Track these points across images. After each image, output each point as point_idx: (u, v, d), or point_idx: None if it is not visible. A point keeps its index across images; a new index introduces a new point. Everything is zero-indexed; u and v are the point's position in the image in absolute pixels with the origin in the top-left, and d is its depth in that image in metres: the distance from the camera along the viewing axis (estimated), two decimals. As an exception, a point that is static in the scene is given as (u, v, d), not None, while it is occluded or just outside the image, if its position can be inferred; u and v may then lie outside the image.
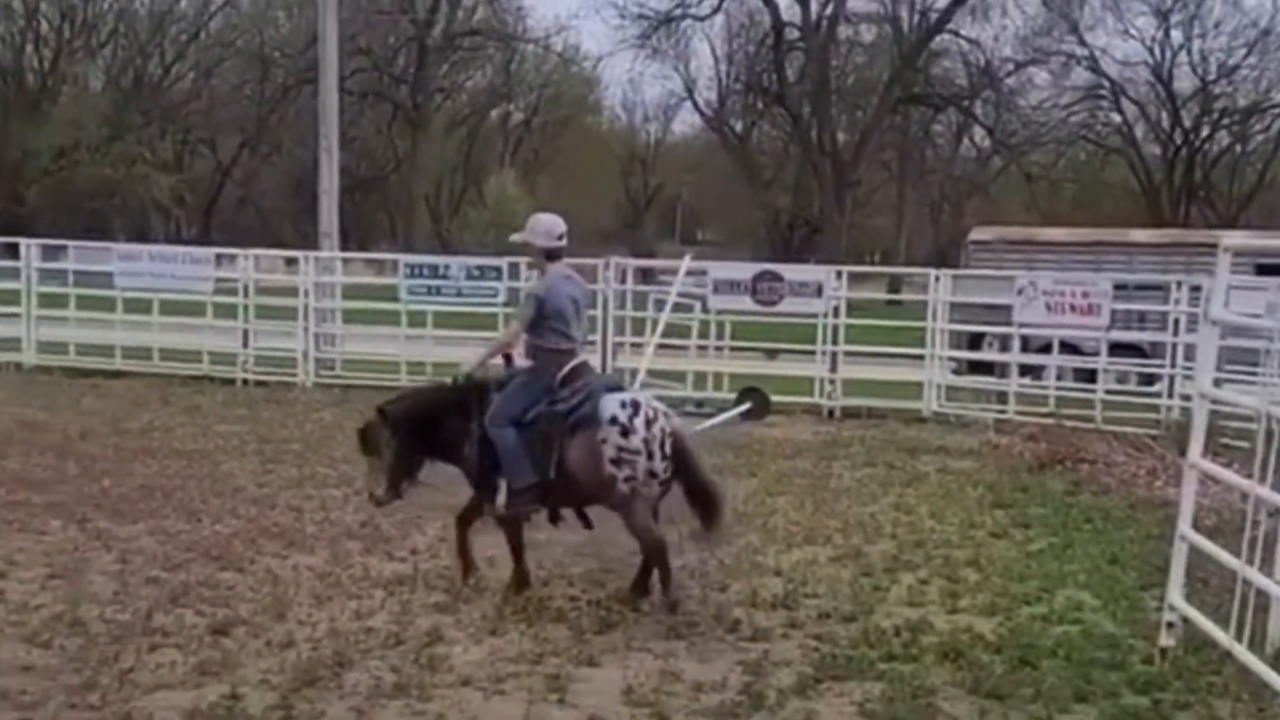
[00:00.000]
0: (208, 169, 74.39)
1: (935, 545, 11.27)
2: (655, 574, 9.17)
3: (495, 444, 9.08)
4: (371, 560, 10.11)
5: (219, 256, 24.19)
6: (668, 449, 8.92)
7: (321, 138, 27.34)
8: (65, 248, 25.35)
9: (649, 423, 8.92)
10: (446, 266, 22.41)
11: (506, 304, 21.48)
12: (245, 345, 22.62)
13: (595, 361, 20.81)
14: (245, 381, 22.05)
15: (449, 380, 9.61)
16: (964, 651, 8.22)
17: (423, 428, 9.29)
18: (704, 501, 9.05)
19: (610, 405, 8.94)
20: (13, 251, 24.30)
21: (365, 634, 8.32)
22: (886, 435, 18.24)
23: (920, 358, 20.60)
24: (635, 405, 9.01)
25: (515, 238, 9.59)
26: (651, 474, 8.88)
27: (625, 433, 8.86)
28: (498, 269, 21.84)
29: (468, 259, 23.46)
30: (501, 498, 9.10)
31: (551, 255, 9.47)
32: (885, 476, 14.93)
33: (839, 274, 21.07)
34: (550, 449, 8.99)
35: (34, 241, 24.32)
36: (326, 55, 27.26)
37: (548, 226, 9.53)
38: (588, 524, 9.40)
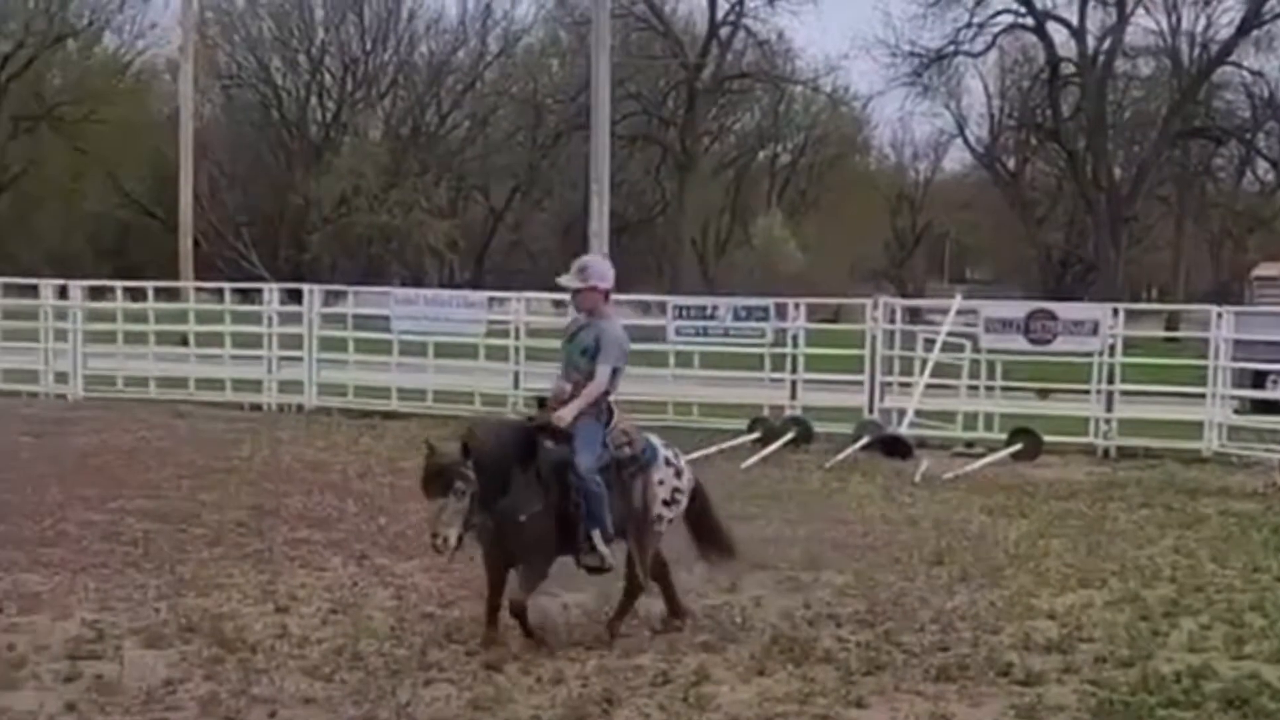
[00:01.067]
0: (481, 214, 76.03)
1: (1217, 589, 10.87)
2: (623, 599, 9.33)
3: (587, 493, 8.85)
4: (639, 599, 10.16)
5: (491, 299, 24.70)
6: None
7: (592, 181, 27.67)
8: (345, 293, 26.20)
9: (684, 465, 9.53)
10: (715, 307, 22.50)
11: (774, 344, 21.48)
12: (516, 386, 22.97)
13: (862, 401, 20.79)
14: (517, 422, 22.38)
15: (527, 416, 9.49)
16: (1249, 699, 7.91)
17: (503, 470, 8.64)
18: (716, 540, 9.71)
19: (660, 448, 9.35)
20: (296, 297, 25.16)
21: (633, 672, 8.34)
22: (1164, 476, 17.68)
23: (1200, 396, 19.96)
24: (673, 449, 9.54)
25: (568, 280, 9.36)
26: (682, 512, 9.47)
27: (678, 474, 9.35)
28: (765, 309, 21.84)
29: (735, 300, 23.52)
30: (602, 548, 8.92)
31: (607, 297, 9.40)
32: (1163, 518, 14.48)
33: (1115, 311, 20.60)
34: (616, 494, 9.00)
35: (316, 287, 25.15)
36: (599, 101, 27.60)
37: (605, 269, 9.51)
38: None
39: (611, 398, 9.25)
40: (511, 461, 8.65)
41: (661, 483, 9.18)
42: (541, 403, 9.32)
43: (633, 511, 9.06)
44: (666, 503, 9.20)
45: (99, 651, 8.47)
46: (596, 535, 8.88)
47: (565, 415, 8.89)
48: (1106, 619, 9.84)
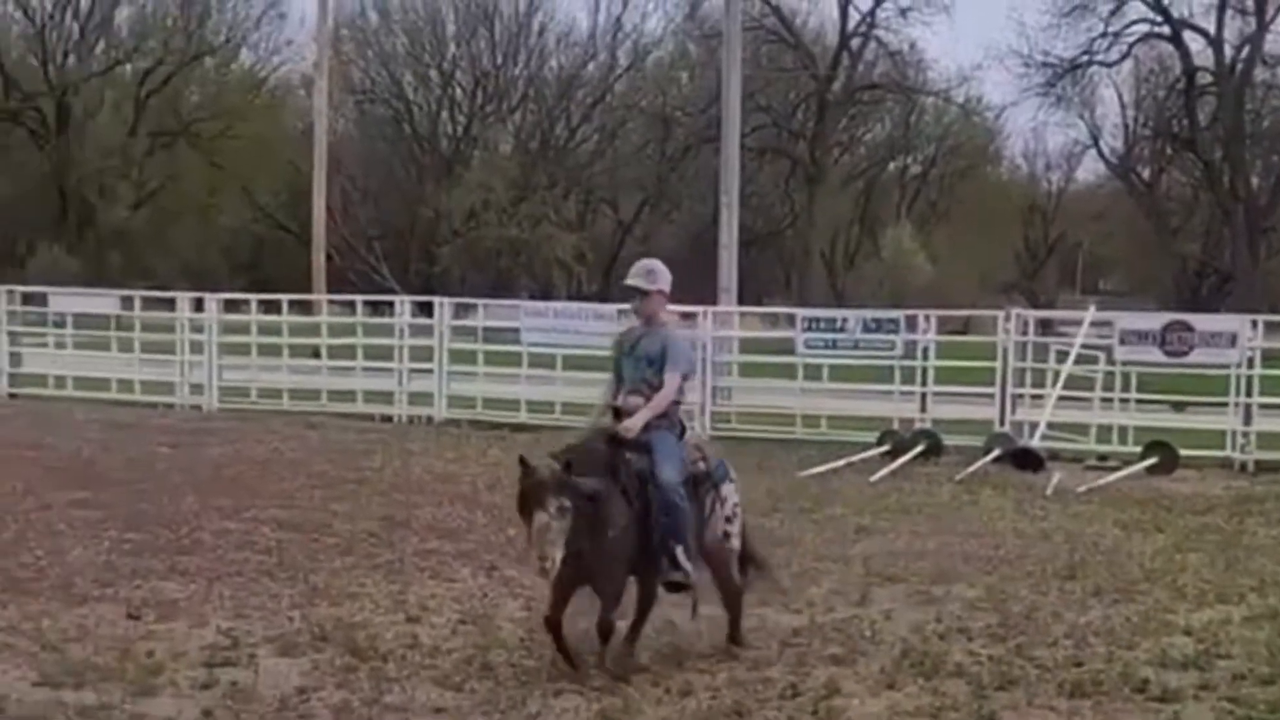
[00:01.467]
0: (609, 227, 76.27)
1: (1361, 606, 10.62)
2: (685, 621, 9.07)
3: (671, 506, 8.49)
4: (768, 611, 10.09)
5: (620, 312, 24.74)
6: None
7: (722, 194, 27.75)
8: (475, 305, 26.40)
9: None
10: (844, 320, 22.39)
11: (904, 357, 21.32)
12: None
13: (993, 413, 20.58)
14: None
15: (605, 428, 8.76)
16: (1394, 719, 7.72)
17: (597, 485, 8.22)
18: (754, 554, 9.49)
19: (724, 463, 9.18)
20: (426, 310, 25.39)
21: (762, 684, 8.30)
22: (1307, 491, 17.31)
23: (1342, 410, 19.57)
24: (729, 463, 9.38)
25: (638, 282, 8.99)
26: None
27: (736, 489, 9.19)
28: (895, 321, 21.70)
29: (864, 312, 23.39)
30: (685, 564, 8.56)
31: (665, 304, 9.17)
32: (1306, 534, 14.18)
33: (1254, 323, 20.23)
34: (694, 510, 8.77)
35: (446, 300, 25.36)
36: (729, 113, 27.65)
37: (667, 274, 9.10)
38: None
39: (682, 408, 9.05)
40: (604, 477, 8.30)
41: (726, 499, 9.01)
42: (617, 413, 8.78)
43: (708, 528, 8.90)
44: (729, 519, 9.04)
45: (234, 659, 8.59)
46: (679, 551, 8.53)
47: (633, 425, 8.52)
48: (1245, 635, 9.63)
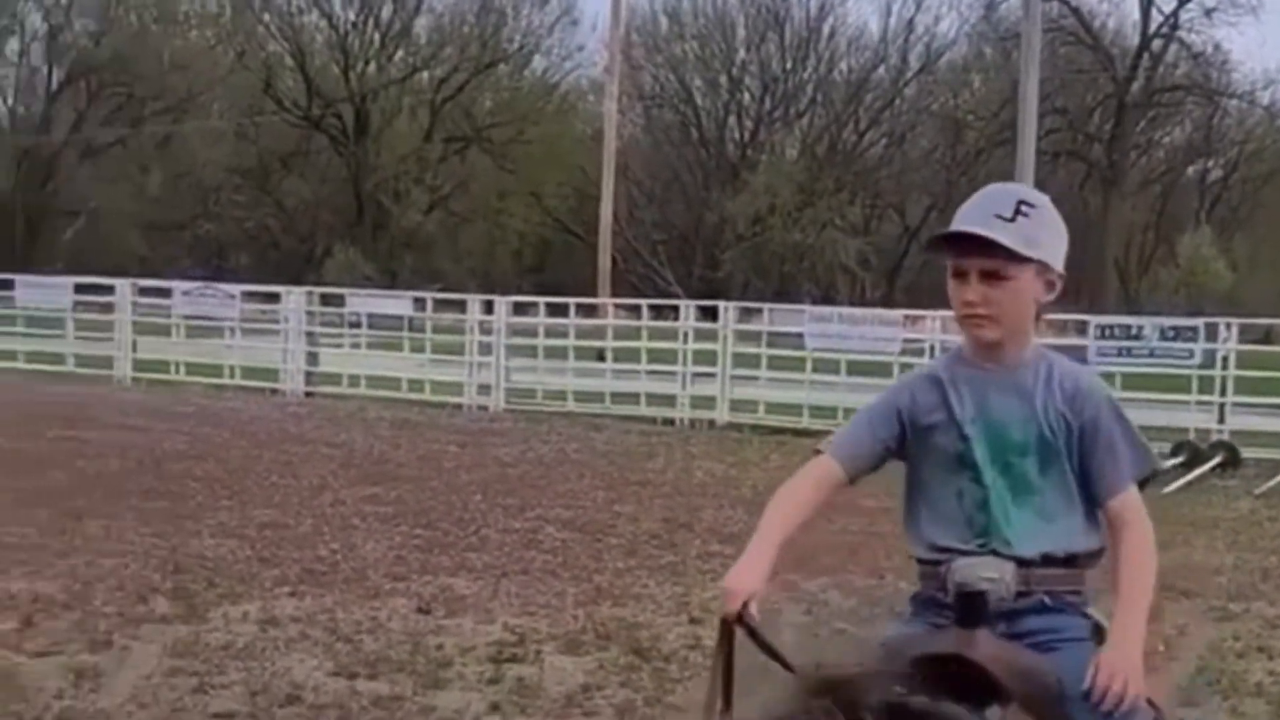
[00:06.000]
0: (894, 232, 75.60)
1: None
2: None
3: None
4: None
5: (906, 317, 24.49)
6: None
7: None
8: (760, 310, 26.40)
9: None
10: (1139, 327, 21.78)
11: (1201, 366, 20.66)
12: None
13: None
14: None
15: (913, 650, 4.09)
16: None
17: None
18: None
19: None
20: (709, 314, 25.46)
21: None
22: None
23: None
24: None
25: (978, 227, 3.73)
26: None
27: None
28: (1193, 329, 21.04)
29: (1161, 319, 22.73)
30: None
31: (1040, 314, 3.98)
32: None
33: None
34: None
35: (731, 304, 25.41)
36: (1025, 116, 27.15)
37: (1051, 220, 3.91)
38: None
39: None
40: None
41: None
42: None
43: None
44: None
45: (520, 655, 8.67)
46: None
47: (1125, 680, 3.65)
48: None
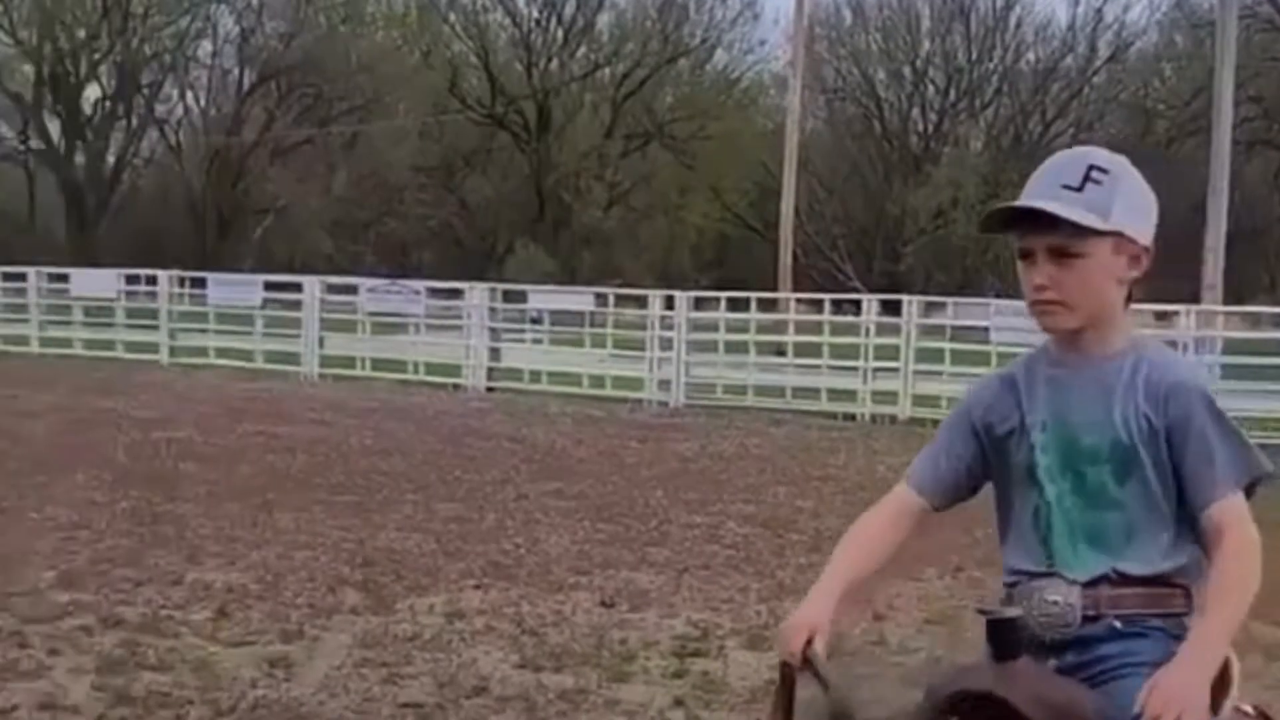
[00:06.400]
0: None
1: None
2: None
3: None
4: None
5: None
6: None
7: (1210, 190, 26.68)
8: (944, 304, 26.14)
9: None
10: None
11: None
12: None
13: None
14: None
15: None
16: None
17: None
18: None
19: None
20: (892, 308, 25.26)
21: None
22: None
23: None
24: None
25: (1044, 201, 3.33)
26: None
27: None
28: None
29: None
30: None
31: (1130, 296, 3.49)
32: None
33: None
34: None
35: (915, 298, 25.20)
36: (1221, 105, 26.57)
37: (1135, 185, 3.48)
38: None
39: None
40: None
41: None
42: (1001, 634, 3.30)
43: None
44: None
45: (704, 650, 8.68)
46: None
47: (1180, 709, 3.04)
48: None
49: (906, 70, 74.29)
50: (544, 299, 29.73)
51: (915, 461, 3.85)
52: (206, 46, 75.83)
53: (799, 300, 31.52)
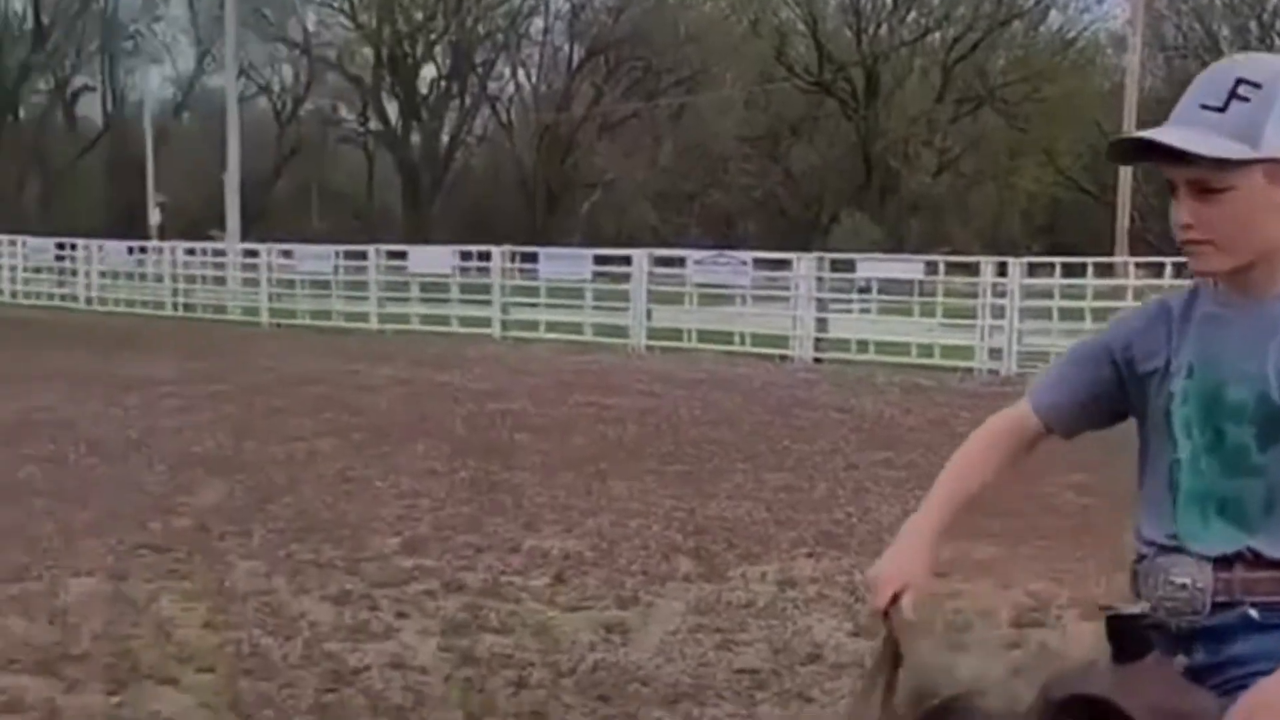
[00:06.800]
0: None
1: None
2: None
3: None
4: None
5: None
6: None
7: None
8: None
9: None
10: None
11: None
12: None
13: None
14: None
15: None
16: None
17: None
18: None
19: None
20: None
21: None
22: None
23: None
24: None
25: (1202, 147, 2.76)
26: None
27: None
28: None
29: None
30: None
31: None
32: None
33: None
34: None
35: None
36: None
37: None
38: None
39: None
40: None
41: None
42: (1123, 630, 3.03)
43: None
44: None
45: (1042, 620, 8.53)
46: None
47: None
48: None
49: (1253, 25, 71.36)
50: (872, 268, 29.49)
51: (1037, 380, 3.41)
52: (538, 23, 77.65)
53: (1137, 265, 30.56)
